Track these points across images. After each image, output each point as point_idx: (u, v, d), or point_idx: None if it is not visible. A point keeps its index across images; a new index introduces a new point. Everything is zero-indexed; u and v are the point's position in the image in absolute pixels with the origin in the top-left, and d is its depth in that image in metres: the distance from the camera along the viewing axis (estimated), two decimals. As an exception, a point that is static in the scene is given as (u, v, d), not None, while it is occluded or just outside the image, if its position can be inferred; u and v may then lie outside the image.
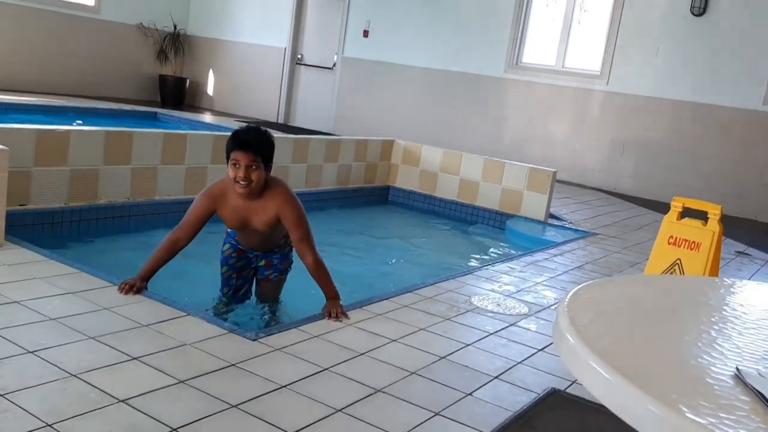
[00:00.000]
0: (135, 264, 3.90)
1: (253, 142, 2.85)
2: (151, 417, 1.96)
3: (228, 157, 2.88)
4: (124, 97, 11.63)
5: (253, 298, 3.42)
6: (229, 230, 3.26)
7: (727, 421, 0.86)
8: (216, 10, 12.51)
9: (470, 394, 2.44)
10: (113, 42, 11.56)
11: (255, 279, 3.39)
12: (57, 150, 4.06)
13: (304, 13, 11.81)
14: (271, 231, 3.09)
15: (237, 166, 2.84)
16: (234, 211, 3.00)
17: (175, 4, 12.42)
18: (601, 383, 0.98)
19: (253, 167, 2.85)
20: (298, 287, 3.44)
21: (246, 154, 2.82)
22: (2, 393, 1.97)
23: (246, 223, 3.04)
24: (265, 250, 3.25)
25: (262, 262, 3.30)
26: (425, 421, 2.19)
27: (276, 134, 6.48)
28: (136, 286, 2.94)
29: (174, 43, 12.34)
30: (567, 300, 1.26)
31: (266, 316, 3.31)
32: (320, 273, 3.04)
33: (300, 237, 3.00)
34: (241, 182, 2.85)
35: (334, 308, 2.99)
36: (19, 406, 1.91)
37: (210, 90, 12.66)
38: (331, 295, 3.05)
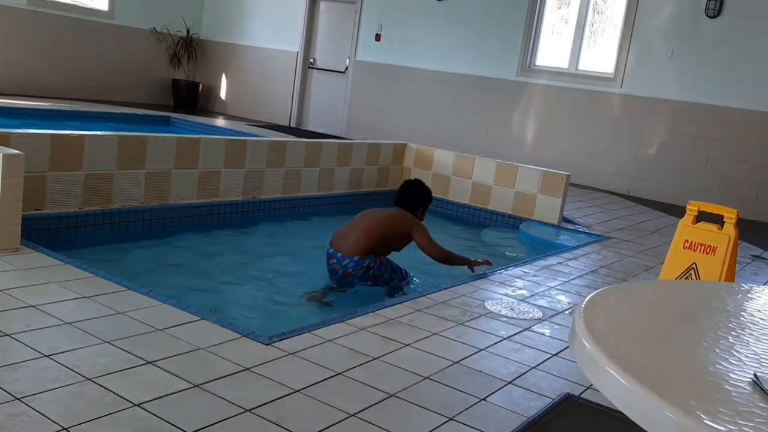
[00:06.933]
0: (148, 268, 3.93)
1: None
2: (166, 421, 1.96)
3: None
4: (137, 101, 11.71)
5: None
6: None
7: (745, 428, 0.85)
8: (229, 15, 12.57)
9: (484, 399, 2.43)
10: (127, 47, 11.64)
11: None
12: (71, 155, 4.09)
13: (316, 17, 11.85)
14: None
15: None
16: None
17: (188, 8, 12.50)
18: (618, 389, 0.97)
19: None
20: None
21: None
22: (19, 396, 1.98)
23: None
24: None
25: None
26: (439, 426, 2.19)
27: (288, 138, 6.48)
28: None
29: (187, 47, 12.41)
30: (583, 305, 1.26)
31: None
32: None
33: None
34: None
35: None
36: (36, 410, 1.92)
37: (223, 94, 12.72)
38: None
